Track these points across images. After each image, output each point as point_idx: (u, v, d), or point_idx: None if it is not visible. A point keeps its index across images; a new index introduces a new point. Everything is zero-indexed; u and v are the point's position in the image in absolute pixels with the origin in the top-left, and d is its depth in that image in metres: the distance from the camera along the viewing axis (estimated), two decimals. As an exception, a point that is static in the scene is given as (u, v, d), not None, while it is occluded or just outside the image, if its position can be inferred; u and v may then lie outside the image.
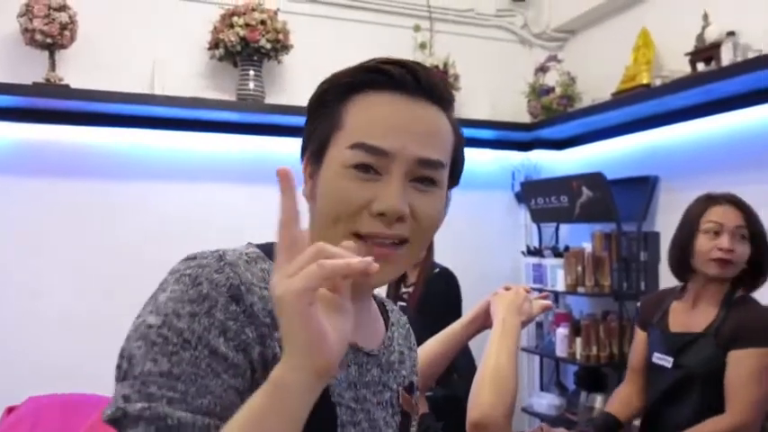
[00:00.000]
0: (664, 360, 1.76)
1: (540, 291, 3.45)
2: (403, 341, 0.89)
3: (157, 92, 2.88)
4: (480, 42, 3.66)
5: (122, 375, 0.62)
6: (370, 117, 0.72)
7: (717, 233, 1.66)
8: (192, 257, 0.68)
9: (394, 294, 2.95)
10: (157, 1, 3.02)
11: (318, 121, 0.75)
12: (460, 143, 0.79)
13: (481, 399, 1.17)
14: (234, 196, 3.08)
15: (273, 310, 0.66)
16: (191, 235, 2.86)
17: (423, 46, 3.37)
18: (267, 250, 0.74)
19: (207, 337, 0.62)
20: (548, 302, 1.40)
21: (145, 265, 2.78)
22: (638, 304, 2.05)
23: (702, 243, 1.69)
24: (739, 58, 2.38)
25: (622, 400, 1.89)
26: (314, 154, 0.75)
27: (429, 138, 0.72)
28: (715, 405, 1.66)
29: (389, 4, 3.40)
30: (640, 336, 1.91)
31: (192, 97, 2.89)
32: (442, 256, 2.79)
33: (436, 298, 2.70)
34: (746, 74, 2.26)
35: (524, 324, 1.32)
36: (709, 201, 1.73)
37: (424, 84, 0.73)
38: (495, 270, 3.60)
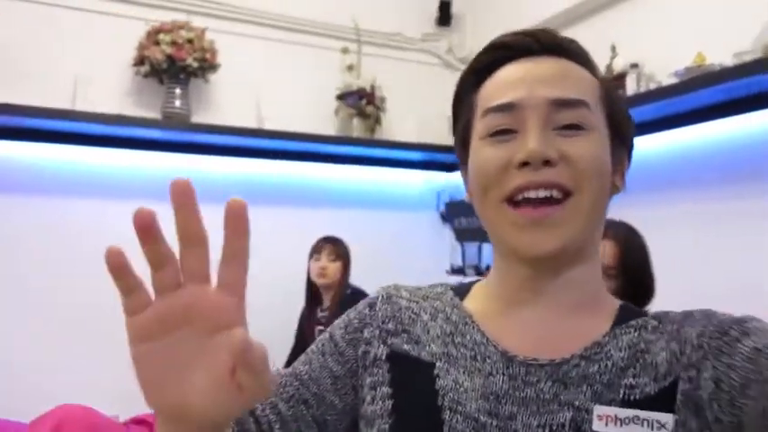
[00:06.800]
0: None
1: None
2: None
3: (79, 108, 2.83)
4: (406, 66, 3.76)
5: None
6: (493, 84, 0.71)
7: None
8: None
9: (309, 318, 2.93)
10: (82, 15, 2.97)
11: (458, 119, 0.77)
12: (611, 91, 0.72)
13: None
14: (159, 215, 3.03)
15: None
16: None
17: (350, 68, 3.43)
18: None
19: None
20: None
21: (63, 281, 2.76)
22: None
23: None
24: (642, 89, 2.55)
25: None
26: (461, 150, 0.75)
27: (558, 80, 0.67)
28: None
29: (318, 25, 3.45)
30: None
31: (117, 114, 2.85)
32: (368, 277, 2.81)
33: None
34: (648, 103, 2.42)
35: None
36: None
37: (547, 43, 0.70)
38: (421, 288, 3.67)
